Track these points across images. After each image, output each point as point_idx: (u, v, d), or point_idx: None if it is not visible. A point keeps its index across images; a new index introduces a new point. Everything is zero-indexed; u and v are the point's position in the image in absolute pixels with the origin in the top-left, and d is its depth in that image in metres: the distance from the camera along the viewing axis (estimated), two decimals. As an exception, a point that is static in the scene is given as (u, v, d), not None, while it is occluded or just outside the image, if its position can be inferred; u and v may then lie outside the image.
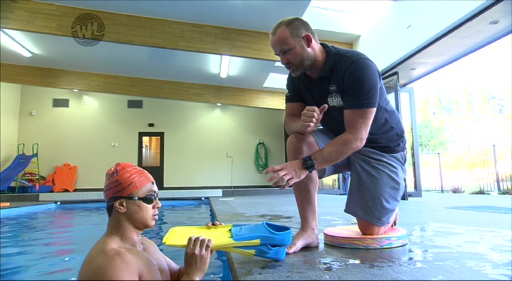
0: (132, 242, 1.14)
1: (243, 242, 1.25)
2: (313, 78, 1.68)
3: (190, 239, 1.15)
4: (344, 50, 1.64)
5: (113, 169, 1.17)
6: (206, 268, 1.13)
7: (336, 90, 1.61)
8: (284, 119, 1.84)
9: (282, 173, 1.41)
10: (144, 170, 1.21)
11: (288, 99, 1.83)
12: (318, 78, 1.65)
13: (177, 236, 1.24)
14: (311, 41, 1.58)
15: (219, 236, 1.27)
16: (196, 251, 1.12)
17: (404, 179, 1.79)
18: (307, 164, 1.47)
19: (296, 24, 1.57)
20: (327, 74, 1.62)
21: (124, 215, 1.14)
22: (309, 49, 1.58)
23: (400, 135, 1.77)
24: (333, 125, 1.75)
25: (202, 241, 1.14)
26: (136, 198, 1.14)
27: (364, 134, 1.53)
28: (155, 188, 1.20)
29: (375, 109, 1.55)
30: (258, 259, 1.39)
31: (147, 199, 1.15)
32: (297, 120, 1.63)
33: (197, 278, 1.10)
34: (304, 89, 1.74)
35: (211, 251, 1.17)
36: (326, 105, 1.52)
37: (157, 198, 1.21)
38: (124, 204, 1.13)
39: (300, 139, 1.65)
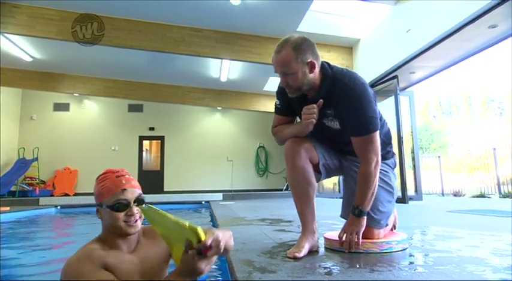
0: (113, 247, 1.15)
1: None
2: (308, 97, 1.64)
3: (205, 245, 0.93)
4: (339, 71, 1.62)
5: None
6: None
7: (333, 115, 1.62)
8: (273, 130, 1.81)
9: (347, 237, 1.57)
10: (122, 176, 1.16)
11: (279, 111, 1.78)
12: (313, 99, 1.61)
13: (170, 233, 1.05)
14: (314, 68, 1.55)
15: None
16: (203, 266, 0.94)
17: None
18: (358, 213, 1.58)
19: (303, 49, 1.52)
20: (322, 97, 1.59)
21: (102, 222, 1.18)
22: (311, 75, 1.55)
23: (388, 143, 1.81)
24: (326, 142, 1.76)
25: (211, 261, 0.97)
26: (104, 206, 1.14)
27: (374, 156, 1.57)
28: (127, 195, 1.13)
29: (378, 131, 1.59)
30: (257, 262, 1.38)
31: (114, 207, 1.12)
32: (290, 126, 1.66)
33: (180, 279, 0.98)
34: (297, 105, 1.69)
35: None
36: (322, 100, 1.56)
37: (132, 205, 1.13)
38: (100, 211, 1.16)
39: (298, 143, 1.66)
